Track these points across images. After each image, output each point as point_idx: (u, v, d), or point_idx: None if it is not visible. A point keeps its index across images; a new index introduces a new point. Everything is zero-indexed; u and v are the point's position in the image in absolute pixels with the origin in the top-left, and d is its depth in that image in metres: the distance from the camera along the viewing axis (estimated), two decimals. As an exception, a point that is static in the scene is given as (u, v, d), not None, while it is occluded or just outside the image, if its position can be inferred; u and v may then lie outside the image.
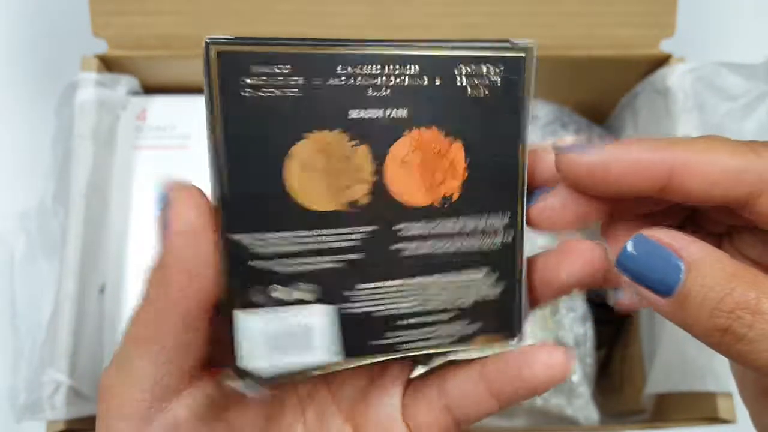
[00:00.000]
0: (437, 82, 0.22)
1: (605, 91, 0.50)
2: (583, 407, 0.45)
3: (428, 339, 0.24)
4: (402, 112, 0.22)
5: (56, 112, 0.45)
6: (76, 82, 0.44)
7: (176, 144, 0.47)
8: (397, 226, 0.23)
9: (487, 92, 0.23)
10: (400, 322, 0.23)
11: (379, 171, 0.22)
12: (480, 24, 0.45)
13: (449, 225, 0.23)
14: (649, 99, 0.47)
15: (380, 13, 0.45)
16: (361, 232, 0.23)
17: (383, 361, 0.23)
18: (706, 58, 0.45)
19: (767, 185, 0.19)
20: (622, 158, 0.20)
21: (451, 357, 0.25)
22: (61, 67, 0.46)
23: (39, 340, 0.42)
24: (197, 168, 0.47)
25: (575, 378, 0.46)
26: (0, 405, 0.43)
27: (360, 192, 0.22)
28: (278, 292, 0.22)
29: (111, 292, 0.44)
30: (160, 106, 0.48)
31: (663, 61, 0.46)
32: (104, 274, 0.44)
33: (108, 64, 0.46)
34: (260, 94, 0.21)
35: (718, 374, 0.40)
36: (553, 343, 0.23)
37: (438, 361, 0.25)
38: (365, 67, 0.22)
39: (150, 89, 0.48)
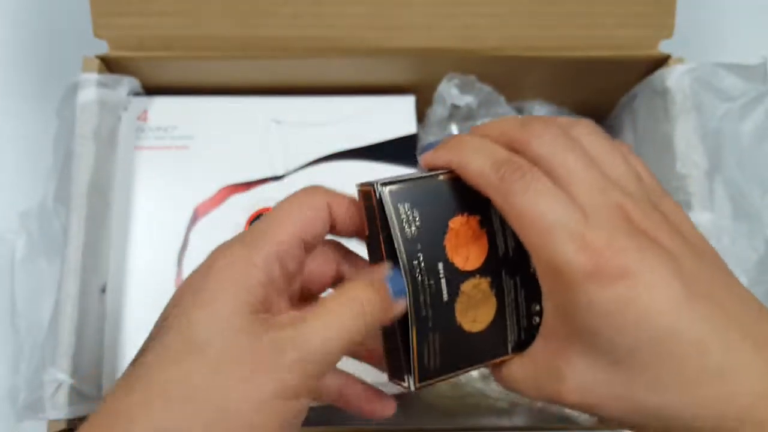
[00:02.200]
0: None
1: (604, 92, 0.51)
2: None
3: None
4: None
5: (58, 113, 0.45)
6: (77, 83, 0.44)
7: (177, 144, 0.47)
8: None
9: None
10: None
11: None
12: (479, 25, 0.46)
13: None
14: (648, 99, 0.47)
15: (380, 14, 0.45)
16: None
17: None
18: (705, 59, 0.45)
19: None
20: (429, 161, 0.29)
21: None
22: (62, 68, 0.46)
23: (39, 339, 0.42)
24: (198, 168, 0.47)
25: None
26: (0, 404, 0.43)
27: None
28: None
29: (112, 291, 0.44)
30: (162, 106, 0.48)
31: (662, 61, 0.46)
32: (105, 273, 0.44)
33: (109, 65, 0.46)
34: None
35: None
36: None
37: None
38: None
39: (151, 90, 0.48)
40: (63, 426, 0.39)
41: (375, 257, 0.29)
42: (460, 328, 0.29)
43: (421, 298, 0.28)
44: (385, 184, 0.27)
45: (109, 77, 0.45)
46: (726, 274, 0.27)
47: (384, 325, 0.28)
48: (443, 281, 0.28)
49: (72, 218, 0.42)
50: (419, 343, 0.28)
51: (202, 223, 0.45)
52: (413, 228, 0.27)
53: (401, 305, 0.28)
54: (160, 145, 0.47)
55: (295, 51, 0.46)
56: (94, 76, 0.44)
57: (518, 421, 0.46)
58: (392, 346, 0.29)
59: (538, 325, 0.29)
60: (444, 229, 0.28)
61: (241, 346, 0.25)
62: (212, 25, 0.45)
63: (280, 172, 0.47)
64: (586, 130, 0.28)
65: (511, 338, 0.30)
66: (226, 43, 0.46)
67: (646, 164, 0.29)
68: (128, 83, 0.46)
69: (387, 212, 0.27)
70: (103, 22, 0.45)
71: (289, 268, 0.28)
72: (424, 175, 0.28)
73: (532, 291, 0.30)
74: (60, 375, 0.39)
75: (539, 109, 0.51)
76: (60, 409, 0.39)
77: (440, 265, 0.28)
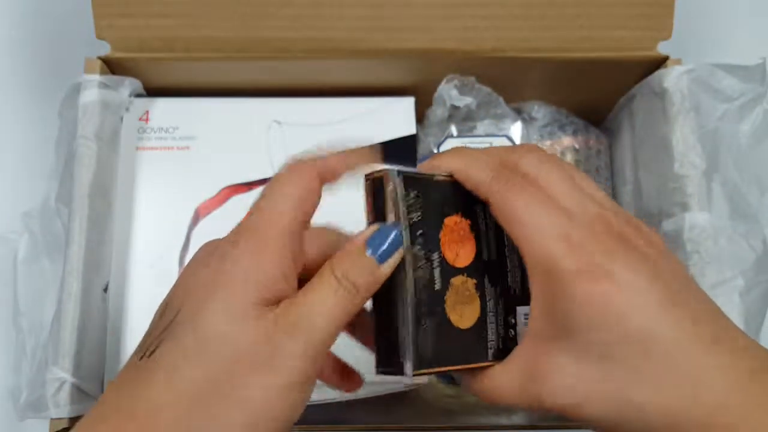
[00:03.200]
0: None
1: (603, 93, 0.51)
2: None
3: None
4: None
5: (60, 114, 0.45)
6: (79, 84, 0.44)
7: (179, 145, 0.47)
8: None
9: None
10: None
11: None
12: (478, 27, 0.46)
13: None
14: (646, 100, 0.48)
15: (380, 16, 0.46)
16: None
17: None
18: (703, 60, 0.46)
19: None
20: (431, 164, 0.31)
21: None
22: (64, 69, 0.47)
23: (42, 338, 0.42)
24: (199, 169, 0.47)
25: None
26: (3, 403, 0.43)
27: None
28: None
29: (114, 291, 0.44)
30: (163, 107, 0.48)
31: (660, 62, 0.47)
32: (107, 273, 0.44)
33: (111, 66, 0.47)
34: None
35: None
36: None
37: None
38: None
39: (153, 91, 0.49)
40: (65, 425, 0.39)
41: None
42: (449, 321, 0.30)
43: (418, 280, 0.29)
44: (397, 171, 0.29)
45: (111, 78, 0.46)
46: (692, 282, 0.29)
47: (374, 295, 0.29)
48: (437, 270, 0.29)
49: (74, 218, 0.42)
50: (414, 325, 0.28)
51: (204, 223, 0.46)
52: (418, 214, 0.29)
53: (386, 268, 0.28)
54: (161, 145, 0.47)
55: (295, 52, 0.46)
56: (96, 77, 0.45)
57: (517, 419, 0.46)
58: (385, 332, 0.29)
59: (514, 337, 0.31)
60: (440, 224, 0.30)
61: (257, 337, 0.26)
62: (213, 27, 0.46)
63: (280, 173, 0.47)
64: (562, 162, 0.31)
65: (491, 345, 0.31)
66: (227, 44, 0.46)
67: None
68: (130, 84, 0.47)
69: (399, 194, 0.28)
70: (105, 23, 0.45)
71: (294, 252, 0.28)
72: (424, 172, 0.30)
73: (509, 303, 0.32)
74: (62, 374, 0.39)
75: (538, 109, 0.51)
76: (62, 408, 0.39)
77: (435, 255, 0.29)
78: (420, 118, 0.51)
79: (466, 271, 0.30)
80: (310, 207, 0.29)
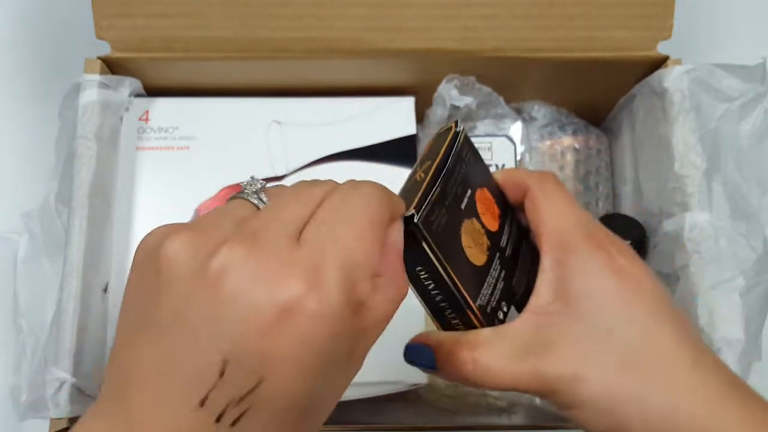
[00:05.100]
0: None
1: (603, 93, 0.51)
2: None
3: None
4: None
5: (60, 114, 0.45)
6: (79, 84, 0.44)
7: (179, 145, 0.47)
8: None
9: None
10: None
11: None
12: (478, 27, 0.46)
13: None
14: (647, 100, 0.48)
15: (379, 16, 0.46)
16: None
17: None
18: (703, 60, 0.46)
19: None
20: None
21: None
22: (64, 69, 0.47)
23: (42, 339, 0.42)
24: (199, 169, 0.47)
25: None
26: (3, 403, 0.43)
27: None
28: None
29: (114, 291, 0.44)
30: (163, 107, 0.48)
31: (660, 63, 0.47)
32: (107, 273, 0.44)
33: (111, 66, 0.47)
34: None
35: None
36: None
37: None
38: None
39: (153, 91, 0.49)
40: (65, 424, 0.39)
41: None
42: (460, 236, 0.30)
43: (450, 186, 0.30)
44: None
45: (111, 78, 0.46)
46: None
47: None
48: (465, 199, 0.31)
49: (74, 218, 0.42)
50: (436, 202, 0.29)
51: (204, 224, 0.46)
52: (467, 158, 0.32)
53: None
54: (161, 145, 0.47)
55: (295, 52, 0.46)
56: (96, 77, 0.45)
57: (517, 419, 0.46)
58: (414, 185, 0.30)
59: (502, 321, 0.32)
60: (480, 185, 0.33)
61: None
62: (213, 27, 0.46)
63: (280, 173, 0.47)
64: None
65: (483, 299, 0.31)
66: (228, 44, 0.46)
67: None
68: (130, 84, 0.47)
69: (459, 136, 0.31)
70: (105, 23, 0.45)
71: None
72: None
73: (508, 295, 0.32)
74: (62, 374, 0.39)
75: (538, 109, 0.51)
76: (62, 408, 0.39)
77: (469, 192, 0.31)
78: (420, 118, 0.51)
79: (485, 230, 0.32)
80: None
